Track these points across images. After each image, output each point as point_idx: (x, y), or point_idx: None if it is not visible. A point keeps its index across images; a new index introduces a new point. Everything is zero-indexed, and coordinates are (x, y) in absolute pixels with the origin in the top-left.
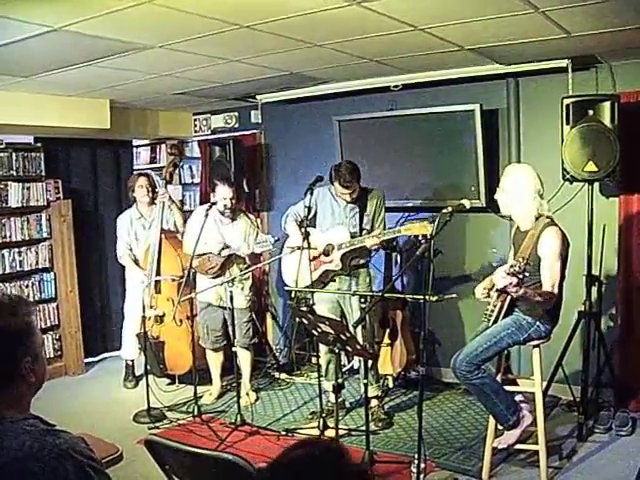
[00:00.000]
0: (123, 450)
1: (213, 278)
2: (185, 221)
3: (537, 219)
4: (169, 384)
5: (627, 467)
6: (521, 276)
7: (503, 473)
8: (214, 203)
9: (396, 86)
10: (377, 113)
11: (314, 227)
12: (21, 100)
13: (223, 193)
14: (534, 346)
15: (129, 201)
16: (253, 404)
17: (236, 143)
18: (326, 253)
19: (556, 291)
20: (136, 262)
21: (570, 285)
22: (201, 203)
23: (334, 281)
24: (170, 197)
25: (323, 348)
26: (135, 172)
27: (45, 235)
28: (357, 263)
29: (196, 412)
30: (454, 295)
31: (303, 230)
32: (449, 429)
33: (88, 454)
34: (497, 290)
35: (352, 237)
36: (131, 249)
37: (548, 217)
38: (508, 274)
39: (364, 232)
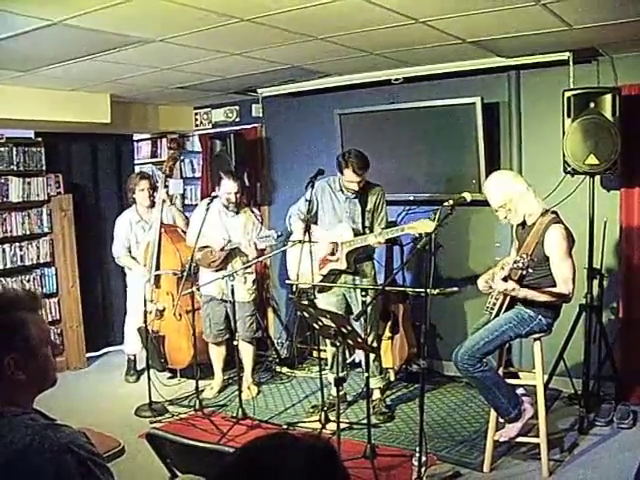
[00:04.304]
0: (125, 444)
1: (215, 271)
2: (187, 220)
3: (543, 214)
4: (170, 378)
5: (628, 460)
6: (524, 272)
7: (504, 466)
8: (216, 196)
9: (397, 79)
10: (378, 106)
11: (316, 224)
12: (21, 94)
13: (228, 187)
14: (535, 339)
15: (129, 201)
16: (254, 398)
17: (237, 137)
18: (332, 252)
19: (570, 288)
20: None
21: None
22: (202, 197)
23: (340, 275)
24: (170, 198)
25: (329, 341)
26: (135, 173)
27: (46, 230)
28: (361, 257)
29: (198, 406)
30: (455, 289)
31: (304, 224)
32: (451, 422)
33: (89, 448)
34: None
35: (354, 233)
36: (130, 251)
37: (554, 212)
38: (512, 269)
39: (366, 229)
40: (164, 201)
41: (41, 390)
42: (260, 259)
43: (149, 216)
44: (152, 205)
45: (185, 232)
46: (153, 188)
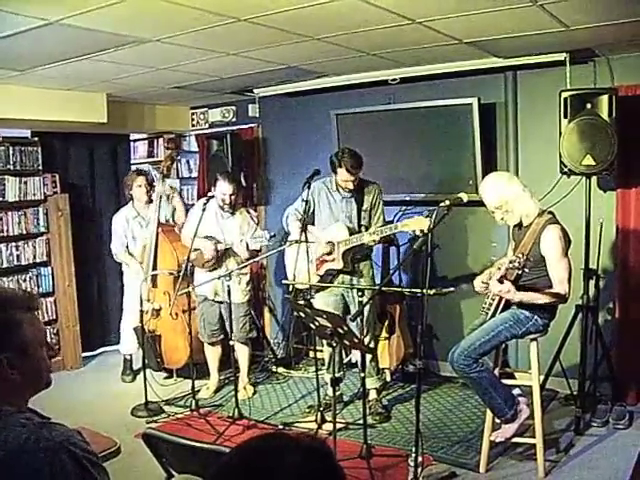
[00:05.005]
0: (121, 444)
1: (210, 271)
2: (186, 212)
3: (540, 215)
4: (167, 378)
5: (624, 460)
6: (520, 272)
7: (500, 466)
8: (212, 196)
9: (394, 80)
10: (375, 107)
11: (313, 224)
12: (17, 94)
13: (224, 189)
14: (531, 340)
15: (126, 198)
16: (250, 398)
17: (234, 137)
18: (329, 252)
19: (565, 288)
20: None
21: None
22: (198, 197)
23: (338, 275)
24: (173, 186)
25: (326, 341)
26: (132, 170)
27: (42, 229)
28: (358, 257)
29: (194, 406)
30: (452, 289)
31: (301, 224)
32: (447, 422)
33: (84, 447)
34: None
35: (350, 233)
36: (127, 247)
37: (550, 213)
38: (508, 269)
39: (362, 228)
40: (161, 197)
41: (36, 391)
42: (256, 259)
43: (146, 212)
44: (149, 201)
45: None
46: (150, 184)
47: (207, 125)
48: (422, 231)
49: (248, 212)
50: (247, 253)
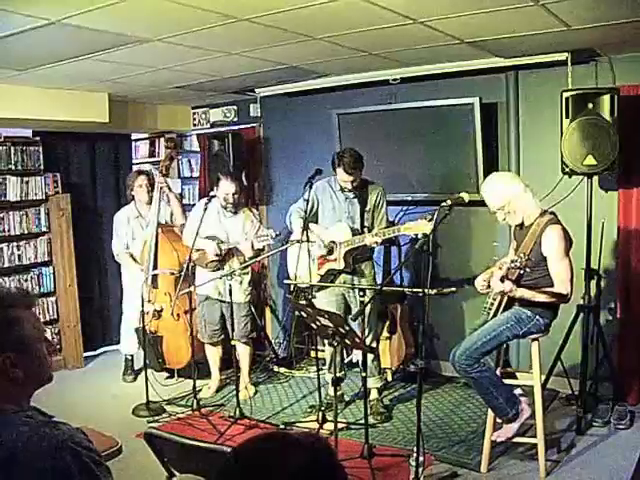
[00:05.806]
0: (122, 443)
1: (212, 271)
2: (184, 212)
3: (541, 215)
4: (168, 378)
5: (625, 460)
6: (522, 271)
7: (502, 466)
8: (214, 196)
9: (395, 79)
10: (376, 106)
11: (316, 223)
12: (19, 93)
13: (226, 188)
14: (533, 339)
15: (127, 198)
16: (252, 398)
17: (235, 137)
18: (330, 251)
19: (567, 288)
20: (133, 258)
21: None
22: (200, 197)
23: (339, 275)
24: (168, 185)
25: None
26: (134, 170)
27: (44, 229)
28: (360, 257)
29: (195, 406)
30: (453, 289)
31: (302, 223)
32: (448, 422)
33: (87, 445)
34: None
35: (353, 233)
36: (128, 247)
37: (552, 213)
38: (509, 268)
39: (365, 228)
40: (161, 193)
41: (37, 387)
42: (258, 259)
43: (147, 212)
44: (150, 202)
45: (184, 225)
46: (151, 184)
47: (208, 125)
48: (424, 234)
49: (251, 211)
50: (252, 252)
